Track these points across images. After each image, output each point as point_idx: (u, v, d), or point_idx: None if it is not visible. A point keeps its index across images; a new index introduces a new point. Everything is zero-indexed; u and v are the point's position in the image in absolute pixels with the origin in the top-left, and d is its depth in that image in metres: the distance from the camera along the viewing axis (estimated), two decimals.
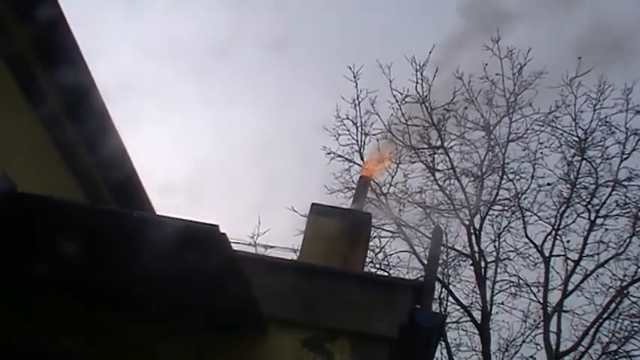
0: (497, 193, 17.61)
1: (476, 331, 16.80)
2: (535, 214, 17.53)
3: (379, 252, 17.30)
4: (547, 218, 17.45)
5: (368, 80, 17.52)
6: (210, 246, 4.45)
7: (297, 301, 5.51)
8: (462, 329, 17.07)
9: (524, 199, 17.59)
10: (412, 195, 17.63)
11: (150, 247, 4.37)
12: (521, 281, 17.24)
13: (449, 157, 17.78)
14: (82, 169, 7.19)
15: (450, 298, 17.17)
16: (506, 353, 17.01)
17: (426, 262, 15.87)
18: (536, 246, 17.32)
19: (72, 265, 4.85)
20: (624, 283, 16.73)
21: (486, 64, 17.63)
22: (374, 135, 17.67)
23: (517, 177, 17.67)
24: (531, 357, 16.79)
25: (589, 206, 17.28)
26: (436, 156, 17.90)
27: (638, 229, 16.92)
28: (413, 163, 17.86)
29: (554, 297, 17.02)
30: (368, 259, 15.62)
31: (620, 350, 16.48)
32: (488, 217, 17.50)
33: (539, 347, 16.71)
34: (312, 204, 8.34)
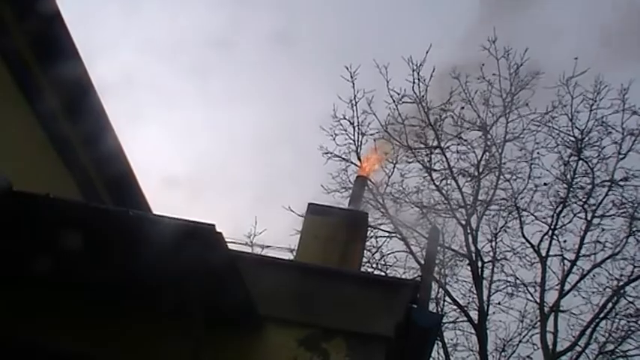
0: (493, 193, 17.62)
1: (473, 331, 16.80)
2: (532, 214, 17.56)
3: (376, 252, 17.32)
4: (544, 218, 17.48)
5: (365, 80, 17.55)
6: (207, 245, 4.44)
7: (294, 300, 5.50)
8: (459, 329, 17.08)
9: (521, 198, 17.62)
10: (409, 195, 17.64)
11: (145, 247, 4.35)
12: (517, 281, 17.26)
13: (446, 157, 17.80)
14: (79, 166, 7.18)
15: (447, 298, 17.17)
16: (503, 353, 17.03)
17: (422, 261, 15.88)
18: (532, 246, 17.34)
19: (67, 264, 4.83)
20: (621, 283, 16.74)
21: (483, 64, 17.68)
22: (371, 135, 17.69)
23: (514, 177, 17.70)
24: (528, 357, 16.81)
25: (585, 206, 17.30)
26: (433, 156, 17.91)
27: (634, 229, 16.95)
28: (410, 163, 17.88)
29: (550, 297, 17.06)
30: (365, 259, 15.64)
31: (617, 350, 16.50)
32: (484, 216, 17.51)
33: (536, 347, 16.73)
34: (309, 204, 8.34)
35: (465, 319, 16.96)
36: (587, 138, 17.48)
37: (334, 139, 17.55)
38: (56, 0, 5.96)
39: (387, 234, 17.43)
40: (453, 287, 17.39)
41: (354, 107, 17.46)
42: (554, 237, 17.28)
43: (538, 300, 16.98)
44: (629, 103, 17.13)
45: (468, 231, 17.20)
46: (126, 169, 7.58)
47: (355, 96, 17.40)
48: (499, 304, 17.17)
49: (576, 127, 17.55)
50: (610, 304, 16.63)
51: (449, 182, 17.75)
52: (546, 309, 16.79)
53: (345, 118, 17.52)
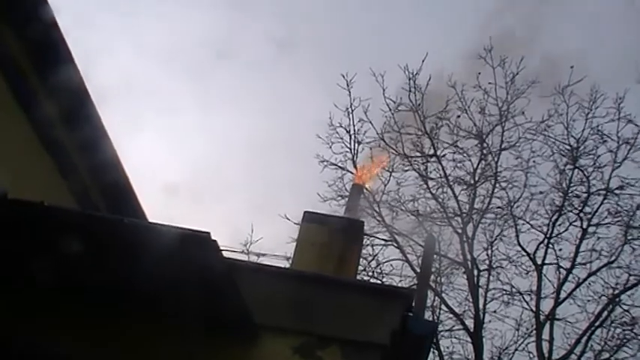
0: (489, 202, 17.67)
1: (469, 340, 16.81)
2: (527, 223, 17.61)
3: (372, 260, 17.34)
4: (539, 226, 17.53)
5: (361, 88, 17.59)
6: (201, 253, 4.44)
7: (289, 308, 5.49)
8: (455, 337, 17.10)
9: (517, 207, 17.67)
10: (405, 203, 17.68)
11: (140, 254, 4.35)
12: (513, 289, 17.30)
13: (442, 166, 17.85)
14: (74, 175, 7.17)
15: (443, 306, 17.19)
16: None
17: (418, 270, 15.87)
18: (528, 254, 17.37)
19: (63, 269, 4.83)
20: (616, 291, 16.78)
21: (479, 73, 17.74)
22: (367, 143, 17.72)
23: (510, 185, 17.76)
24: None
25: (581, 214, 17.34)
26: (429, 164, 17.97)
27: (629, 238, 16.99)
28: (406, 171, 17.93)
29: (546, 305, 17.08)
30: (361, 267, 15.62)
31: (612, 358, 16.53)
32: (480, 225, 17.54)
33: (531, 355, 16.75)
34: (305, 212, 8.34)
35: (461, 327, 16.98)
36: (582, 146, 17.58)
37: (330, 147, 17.61)
38: (52, 7, 5.98)
39: (383, 242, 17.47)
40: (449, 295, 17.43)
41: (351, 115, 17.53)
42: (550, 245, 17.33)
43: (534, 308, 17.00)
44: (624, 112, 17.24)
45: (464, 239, 17.22)
46: (122, 178, 7.58)
47: (351, 104, 17.48)
48: (495, 312, 17.22)
49: (572, 136, 17.65)
50: (605, 313, 16.67)
51: (445, 190, 17.82)
52: (542, 317, 16.81)
53: (341, 126, 17.59)
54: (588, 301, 16.82)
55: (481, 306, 16.93)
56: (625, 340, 16.51)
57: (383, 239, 17.42)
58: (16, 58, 6.15)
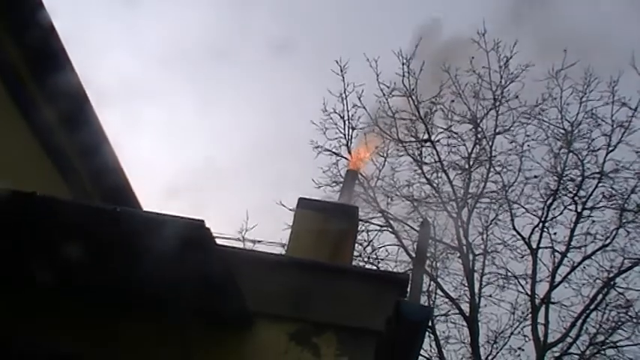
0: (484, 186, 17.68)
1: (464, 324, 16.87)
2: (522, 207, 17.65)
3: (367, 245, 17.35)
4: (534, 210, 17.58)
5: (355, 73, 17.54)
6: (196, 241, 4.42)
7: (285, 295, 5.49)
8: (451, 322, 17.16)
9: (512, 191, 17.70)
10: (400, 188, 17.68)
11: (133, 243, 4.33)
12: (509, 273, 17.36)
13: (436, 150, 17.84)
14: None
15: (439, 291, 17.24)
16: (494, 345, 17.11)
17: (414, 255, 15.90)
18: (523, 238, 17.41)
19: (59, 263, 4.81)
20: (611, 275, 16.85)
21: (473, 58, 17.69)
22: (361, 129, 17.70)
23: (504, 169, 17.77)
24: (519, 348, 16.91)
25: (576, 198, 17.37)
26: (423, 149, 17.96)
27: (624, 221, 17.03)
28: (400, 156, 17.93)
29: (541, 289, 17.15)
30: (356, 253, 15.65)
31: (608, 341, 16.60)
32: (475, 209, 17.57)
33: (527, 339, 16.83)
34: (300, 198, 8.31)
35: (457, 311, 17.03)
36: (576, 130, 17.58)
37: (324, 133, 17.57)
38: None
39: (378, 227, 17.48)
40: (445, 280, 17.48)
41: (344, 101, 17.49)
42: (545, 229, 17.38)
43: (529, 292, 17.06)
44: (618, 95, 17.24)
45: (459, 224, 17.25)
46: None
47: (345, 90, 17.43)
48: (490, 296, 17.28)
49: (566, 120, 17.66)
50: (600, 296, 16.74)
51: (439, 175, 17.83)
52: (537, 301, 16.87)
53: (335, 112, 17.55)
54: (583, 284, 16.92)
55: (477, 290, 16.99)
56: (620, 323, 16.59)
57: (378, 225, 17.45)
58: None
